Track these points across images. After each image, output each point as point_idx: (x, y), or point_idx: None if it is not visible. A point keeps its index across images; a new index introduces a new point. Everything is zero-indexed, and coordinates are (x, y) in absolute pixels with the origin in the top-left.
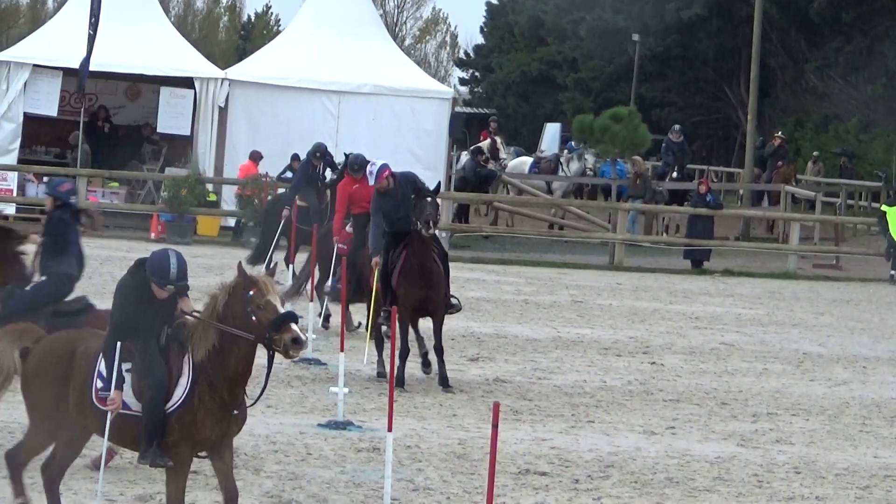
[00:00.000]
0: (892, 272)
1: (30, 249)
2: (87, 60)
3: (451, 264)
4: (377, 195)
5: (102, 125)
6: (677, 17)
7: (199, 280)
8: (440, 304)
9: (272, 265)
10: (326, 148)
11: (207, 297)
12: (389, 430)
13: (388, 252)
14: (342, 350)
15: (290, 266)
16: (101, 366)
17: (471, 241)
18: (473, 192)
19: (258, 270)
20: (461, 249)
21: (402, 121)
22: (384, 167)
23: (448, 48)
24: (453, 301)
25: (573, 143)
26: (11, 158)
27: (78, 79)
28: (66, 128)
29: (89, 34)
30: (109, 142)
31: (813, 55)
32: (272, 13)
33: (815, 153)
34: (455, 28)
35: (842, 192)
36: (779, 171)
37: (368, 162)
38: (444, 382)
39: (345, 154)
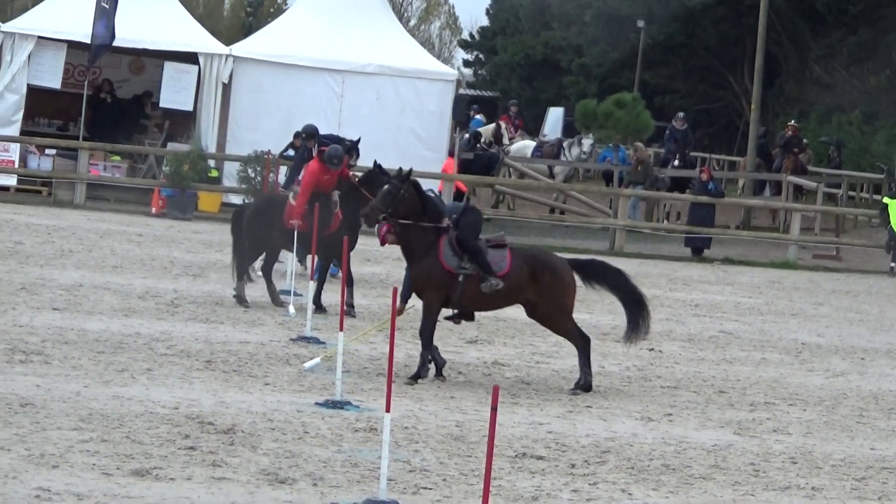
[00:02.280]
0: (892, 264)
1: None
2: (109, 35)
3: None
4: None
5: (106, 97)
6: (682, 4)
7: (199, 256)
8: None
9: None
10: (317, 129)
11: None
12: (387, 410)
13: None
14: (341, 329)
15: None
16: None
17: None
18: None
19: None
20: None
21: (405, 101)
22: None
23: (449, 30)
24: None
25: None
26: (14, 130)
27: (90, 51)
28: (69, 100)
29: (102, 7)
30: (113, 115)
31: (818, 45)
32: None
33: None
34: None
35: (843, 184)
36: (788, 161)
37: (347, 155)
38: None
39: (351, 141)
